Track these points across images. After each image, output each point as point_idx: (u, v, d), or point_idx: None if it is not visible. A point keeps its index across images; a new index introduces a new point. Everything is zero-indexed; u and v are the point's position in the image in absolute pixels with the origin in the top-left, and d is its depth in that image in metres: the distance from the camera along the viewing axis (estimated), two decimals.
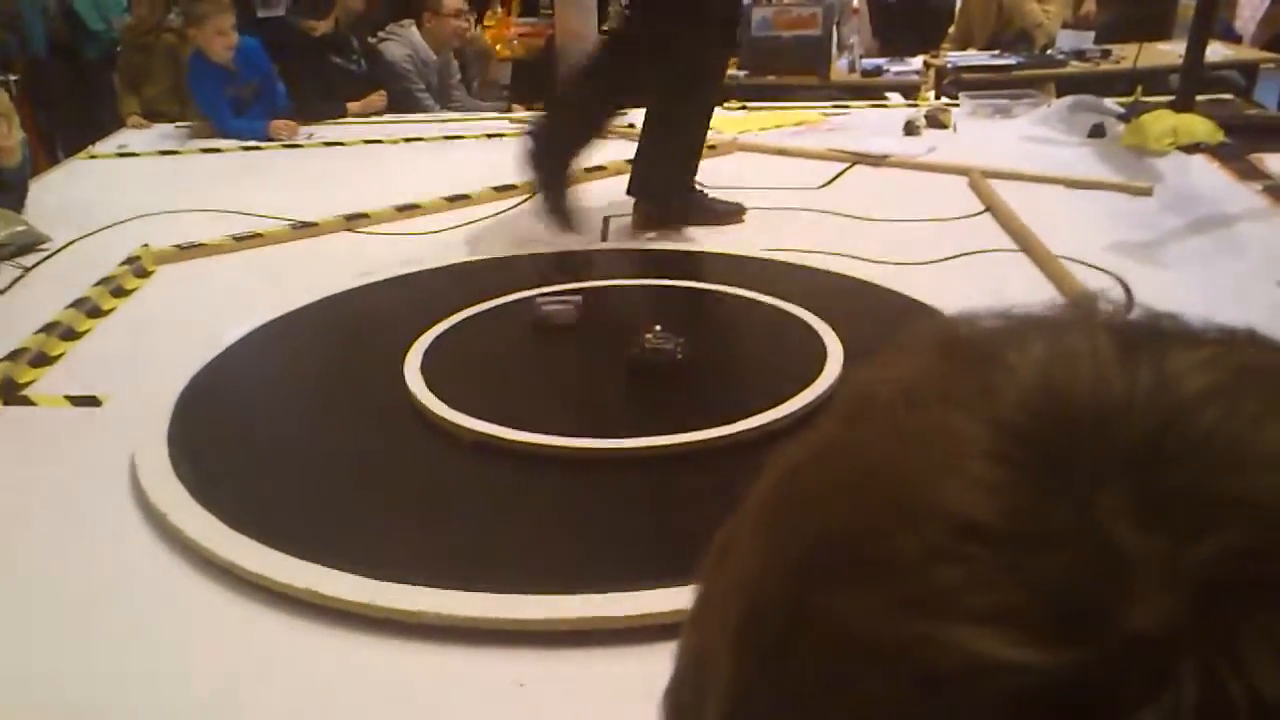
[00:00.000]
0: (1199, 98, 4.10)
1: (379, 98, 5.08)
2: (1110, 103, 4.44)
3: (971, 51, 5.96)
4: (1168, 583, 0.24)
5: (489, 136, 4.70)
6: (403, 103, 5.17)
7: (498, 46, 6.71)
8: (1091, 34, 5.86)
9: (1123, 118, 4.16)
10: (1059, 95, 4.97)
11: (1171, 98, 4.15)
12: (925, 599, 0.25)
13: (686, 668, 0.32)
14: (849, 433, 0.30)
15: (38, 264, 3.23)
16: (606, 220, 3.47)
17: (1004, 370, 0.28)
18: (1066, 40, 5.85)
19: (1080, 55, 5.64)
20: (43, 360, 2.56)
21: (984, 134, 4.42)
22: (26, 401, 2.37)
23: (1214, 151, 3.76)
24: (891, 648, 0.25)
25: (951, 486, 0.26)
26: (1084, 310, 0.30)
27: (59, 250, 3.33)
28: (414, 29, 5.33)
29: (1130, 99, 4.42)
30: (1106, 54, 5.57)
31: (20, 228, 3.32)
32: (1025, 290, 2.69)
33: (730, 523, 0.32)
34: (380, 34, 5.39)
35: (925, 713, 0.24)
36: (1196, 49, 3.99)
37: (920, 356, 0.31)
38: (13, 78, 5.07)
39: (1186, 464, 0.25)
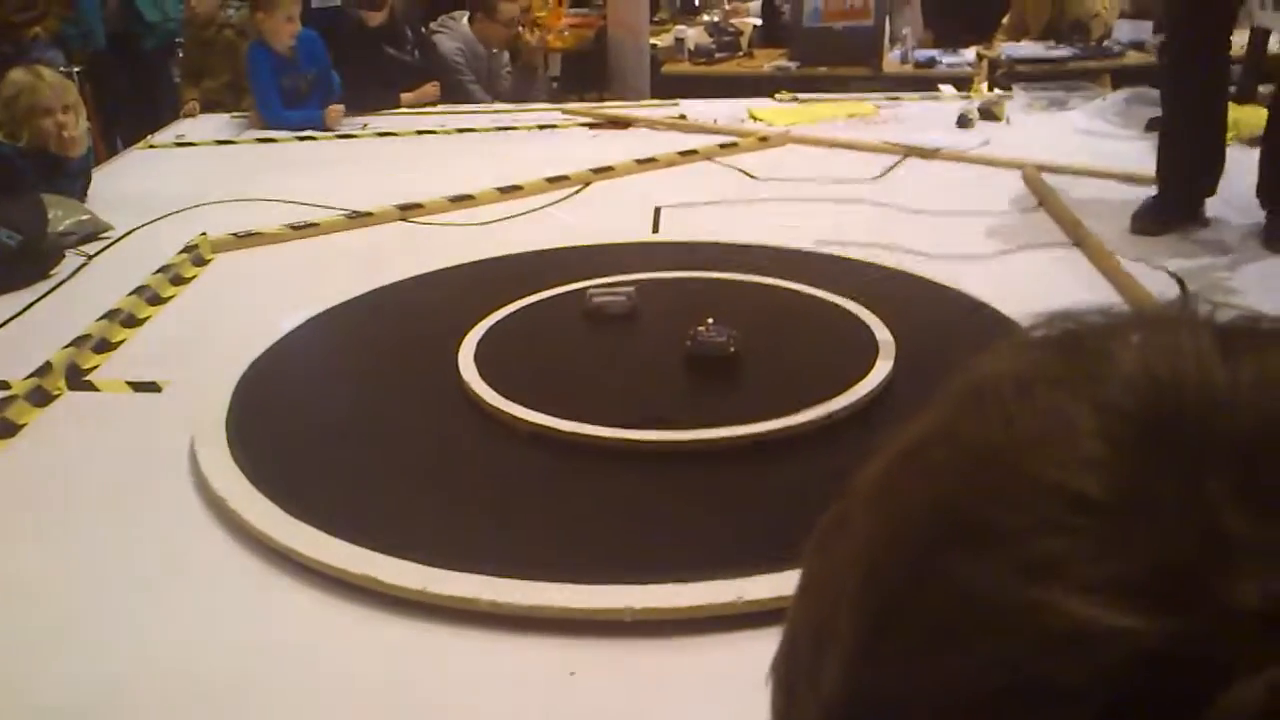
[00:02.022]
0: (1261, 89, 4.03)
1: (433, 88, 5.11)
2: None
3: (1026, 43, 5.89)
4: (1271, 561, 0.25)
5: (540, 128, 4.72)
6: (454, 94, 5.20)
7: (549, 37, 6.73)
8: (1150, 24, 5.77)
9: None
10: (1115, 87, 4.91)
11: (1233, 89, 4.08)
12: (1037, 566, 0.27)
13: (800, 637, 0.34)
14: (960, 418, 0.32)
15: (100, 252, 3.29)
16: (658, 211, 3.47)
17: (1109, 359, 0.30)
18: (1124, 31, 5.76)
19: (1138, 46, 5.56)
20: (105, 346, 2.61)
21: (1038, 127, 4.38)
22: (90, 387, 2.42)
23: (1264, 151, 3.69)
24: (1005, 611, 0.27)
25: (1061, 462, 0.28)
26: (1184, 308, 0.32)
27: (120, 238, 3.39)
28: (465, 21, 5.36)
29: None
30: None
31: (84, 216, 3.39)
32: (1080, 287, 2.67)
33: (836, 505, 0.34)
34: (432, 25, 5.42)
35: (1035, 671, 0.26)
36: (1259, 39, 3.93)
37: (1026, 349, 0.33)
38: (76, 69, 5.15)
39: None
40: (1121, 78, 5.16)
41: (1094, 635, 0.25)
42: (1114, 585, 0.26)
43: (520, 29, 5.63)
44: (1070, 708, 0.25)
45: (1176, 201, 3.15)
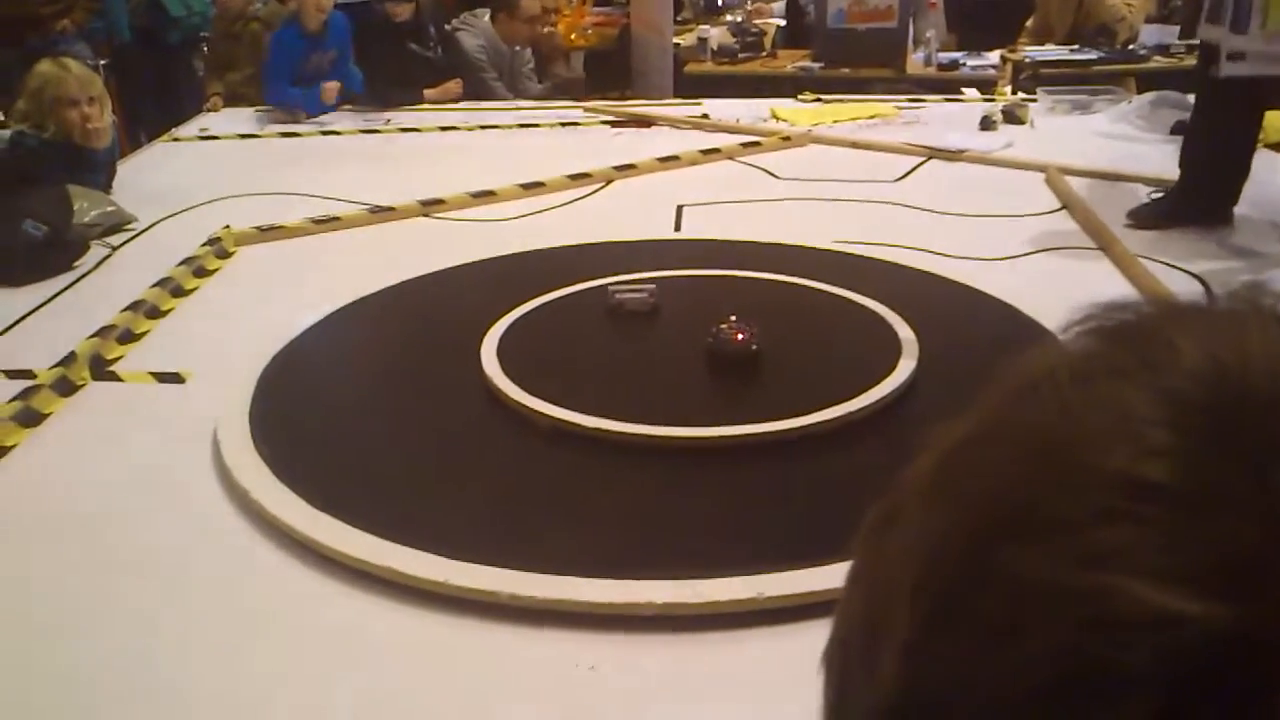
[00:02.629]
0: None
1: (455, 85, 5.12)
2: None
3: (1050, 46, 5.86)
4: None
5: (563, 125, 4.73)
6: (477, 91, 5.21)
7: (572, 35, 6.73)
8: (1176, 29, 5.74)
9: None
10: (1140, 91, 4.88)
11: None
12: (1103, 554, 0.26)
13: (853, 629, 0.33)
14: (1016, 408, 0.32)
15: (124, 243, 3.31)
16: (680, 209, 3.47)
17: (1169, 348, 0.30)
18: (1150, 35, 5.73)
19: (1164, 50, 5.53)
20: (129, 337, 2.62)
21: (1062, 130, 4.36)
22: (114, 377, 2.43)
23: None
24: (1070, 598, 0.26)
25: (1125, 450, 0.28)
26: (1247, 297, 0.32)
27: (144, 230, 3.41)
28: (486, 19, 5.37)
29: None
30: (1191, 49, 5.44)
31: (109, 208, 3.41)
32: (1103, 289, 2.66)
33: (888, 497, 0.34)
34: (455, 22, 5.43)
35: (1099, 659, 0.26)
36: None
37: (1082, 340, 0.32)
38: (102, 62, 5.18)
39: None
40: (1147, 82, 5.13)
41: (1162, 620, 0.25)
42: (1182, 572, 0.25)
43: (543, 27, 5.64)
44: (1137, 693, 0.25)
45: (1193, 201, 3.14)
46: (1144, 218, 3.18)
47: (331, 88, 4.76)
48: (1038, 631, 0.27)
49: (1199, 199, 3.15)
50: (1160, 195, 3.27)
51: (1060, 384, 0.31)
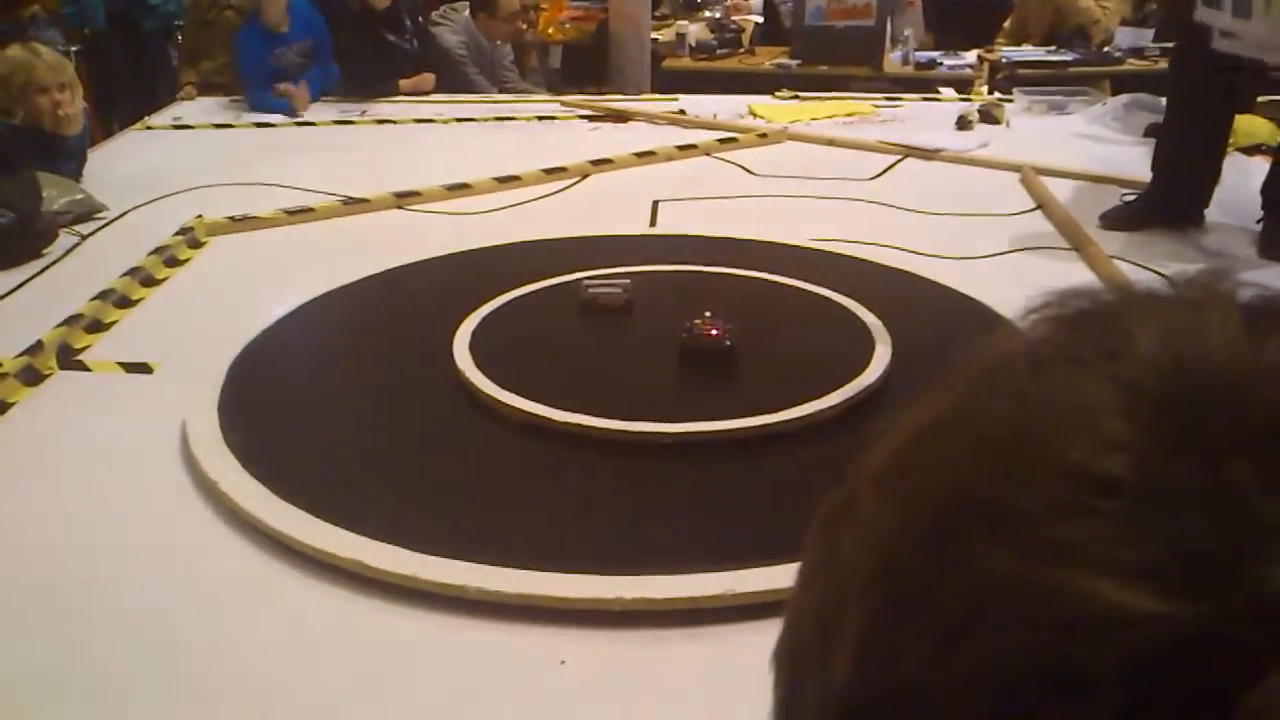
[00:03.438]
0: (1260, 99, 4.03)
1: (429, 79, 5.10)
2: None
3: (1027, 47, 5.89)
4: None
5: (540, 119, 4.71)
6: (458, 86, 5.19)
7: (550, 30, 6.71)
8: (1151, 32, 5.77)
9: None
10: (1115, 93, 4.91)
11: None
12: (1060, 550, 0.26)
13: (805, 625, 0.33)
14: (973, 397, 0.31)
15: (94, 232, 3.27)
16: (656, 205, 3.47)
17: (1128, 336, 0.29)
18: (1125, 37, 5.76)
19: (1138, 53, 5.56)
20: (97, 327, 2.59)
21: (1037, 131, 4.37)
22: (81, 367, 2.41)
23: (1274, 153, 3.69)
24: (1027, 595, 0.26)
25: (1082, 443, 0.27)
26: (1207, 285, 0.31)
27: (115, 219, 3.38)
28: (467, 13, 5.34)
29: None
30: (1165, 52, 5.48)
31: (79, 196, 3.37)
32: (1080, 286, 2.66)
33: (841, 490, 0.33)
34: (434, 16, 5.40)
35: (1058, 657, 0.25)
36: None
37: (1040, 327, 0.31)
38: (73, 49, 5.13)
39: None
40: (1121, 84, 5.16)
41: (1122, 620, 0.24)
42: (1142, 569, 0.25)
43: (523, 25, 5.63)
44: (1097, 694, 0.24)
45: (1165, 203, 3.16)
46: (1116, 219, 3.19)
47: (301, 98, 4.73)
48: (994, 628, 0.26)
49: (1170, 201, 3.17)
50: (1133, 197, 3.29)
51: (1017, 373, 0.30)
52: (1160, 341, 0.28)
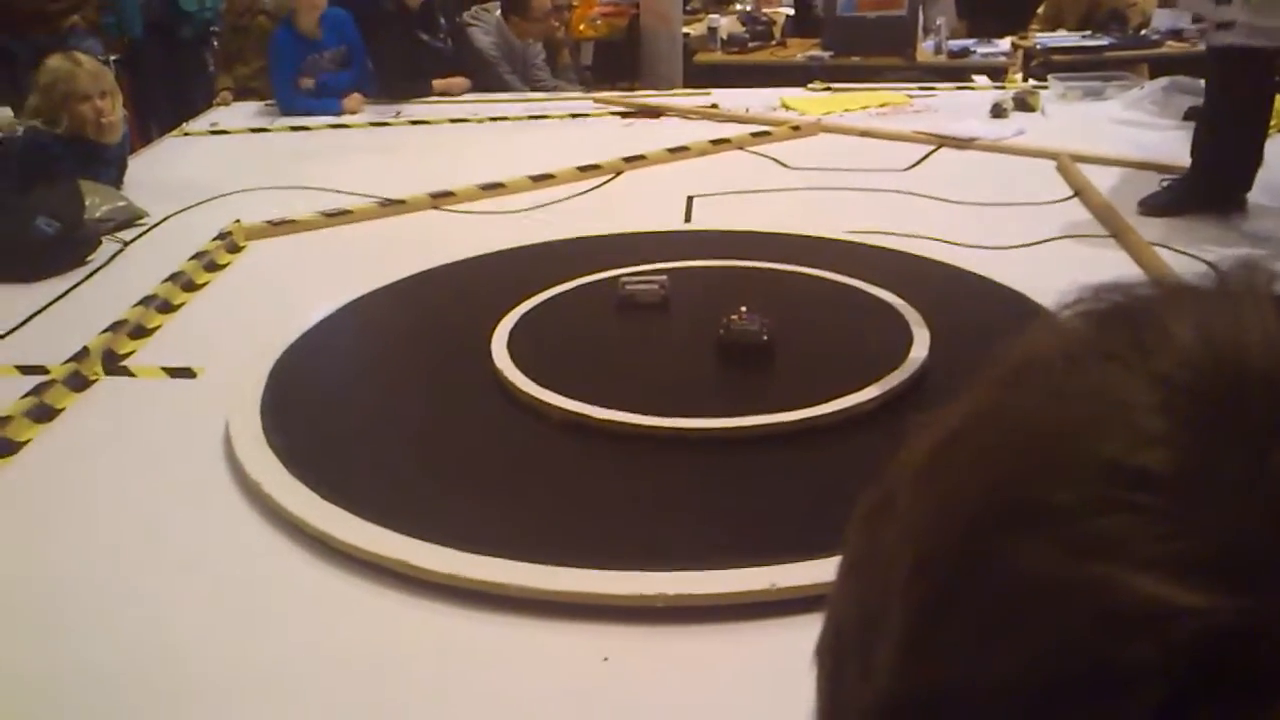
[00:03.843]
0: None
1: (462, 82, 5.12)
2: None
3: (1062, 33, 5.83)
4: None
5: (573, 116, 4.72)
6: (491, 85, 5.21)
7: (581, 26, 6.72)
8: (1189, 13, 5.70)
9: None
10: (1153, 77, 4.85)
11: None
12: (1099, 545, 0.26)
13: (846, 622, 0.33)
14: (1008, 394, 0.31)
15: (136, 238, 3.32)
16: (690, 200, 3.46)
17: (1162, 330, 0.29)
18: (1162, 19, 5.69)
19: (1177, 35, 5.49)
20: (141, 332, 2.63)
21: (1074, 117, 4.34)
22: (126, 372, 2.44)
23: None
24: (1067, 590, 0.26)
25: (1119, 438, 0.27)
26: (1243, 277, 0.31)
27: (155, 225, 3.42)
28: (498, 13, 5.36)
29: None
30: (1204, 34, 5.40)
31: (120, 203, 3.41)
32: (1116, 278, 2.64)
33: (877, 487, 0.33)
34: (466, 16, 5.42)
35: (1099, 651, 0.25)
36: None
37: (1073, 322, 0.32)
38: (113, 58, 5.19)
39: None
40: (1159, 67, 5.10)
41: (1162, 613, 0.24)
42: (1182, 562, 0.25)
43: (557, 24, 5.64)
44: (1137, 688, 0.24)
45: (1205, 188, 3.12)
46: (1156, 205, 3.16)
47: (356, 101, 4.77)
48: (1035, 625, 0.26)
49: (1211, 185, 3.14)
50: (1172, 182, 3.26)
51: (1052, 369, 0.30)
52: (1195, 335, 0.28)
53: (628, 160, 3.87)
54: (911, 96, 4.76)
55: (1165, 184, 3.27)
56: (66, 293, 2.91)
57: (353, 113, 4.75)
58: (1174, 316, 0.29)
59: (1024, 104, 4.39)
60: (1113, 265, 2.76)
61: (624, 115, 4.72)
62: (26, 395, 2.24)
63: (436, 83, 5.06)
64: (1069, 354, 0.30)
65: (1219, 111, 3.16)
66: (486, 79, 5.21)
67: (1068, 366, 0.30)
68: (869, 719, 0.30)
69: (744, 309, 2.27)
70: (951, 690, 0.28)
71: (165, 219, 3.46)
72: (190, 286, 2.92)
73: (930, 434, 0.32)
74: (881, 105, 4.62)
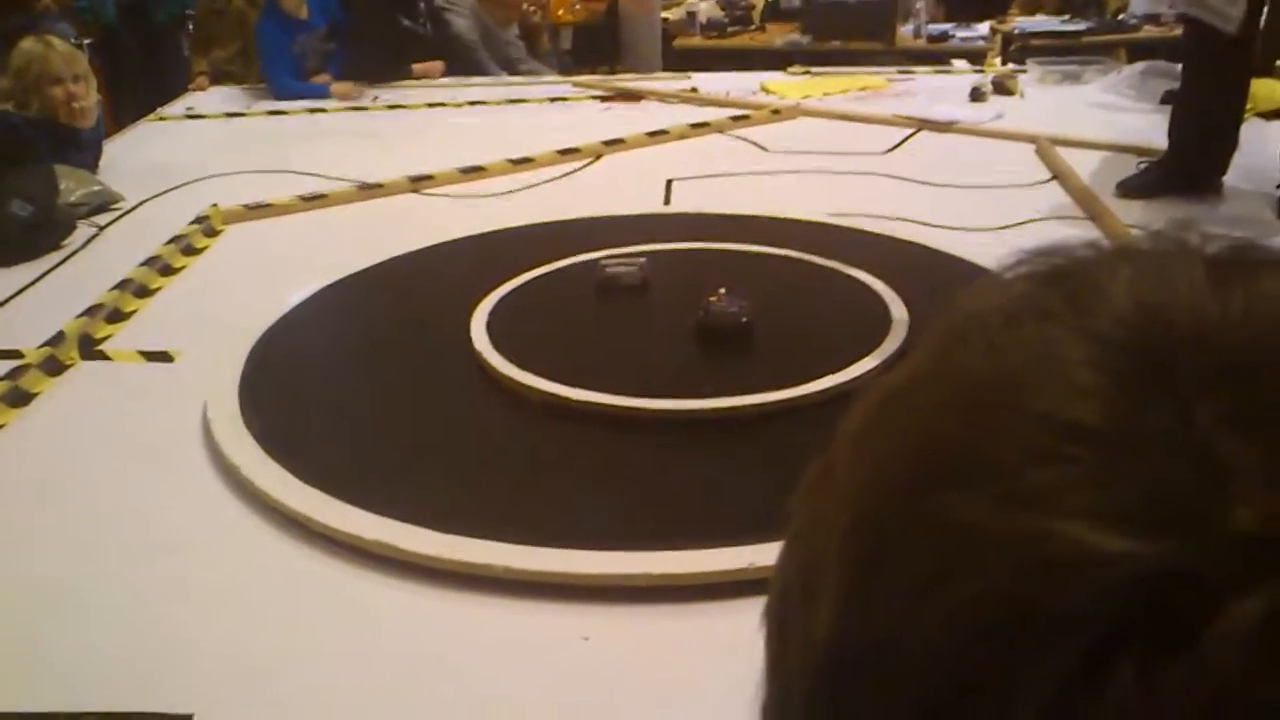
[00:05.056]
0: (1279, 62, 4.00)
1: (438, 67, 5.10)
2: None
3: (1040, 17, 5.85)
4: (1267, 485, 0.25)
5: (551, 100, 4.71)
6: (470, 70, 5.19)
7: (560, 11, 6.69)
8: None
9: None
10: (1130, 61, 4.87)
11: None
12: (1034, 496, 0.26)
13: (790, 584, 0.33)
14: (946, 354, 0.32)
15: (111, 223, 3.29)
16: (669, 183, 3.46)
17: (1097, 289, 0.30)
18: (1140, 4, 5.71)
19: (1154, 19, 5.51)
20: (117, 316, 2.61)
21: (1052, 101, 4.35)
22: (102, 356, 2.43)
23: None
24: (1002, 540, 0.26)
25: (1052, 392, 0.28)
26: (1174, 237, 0.32)
27: (131, 209, 3.39)
28: None
29: None
30: (1181, 18, 5.42)
31: (95, 188, 3.39)
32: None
33: (824, 453, 0.34)
34: (441, 2, 5.39)
35: (1034, 601, 0.26)
36: (1278, 11, 3.88)
37: (1014, 283, 0.32)
38: (86, 41, 5.14)
39: None
40: (1137, 52, 5.12)
41: (1094, 559, 0.25)
42: (1112, 511, 0.25)
43: (533, 9, 5.62)
44: (1068, 633, 0.25)
45: (1182, 171, 3.15)
46: (1133, 188, 3.18)
47: (345, 88, 4.74)
48: (970, 576, 0.27)
49: (1188, 168, 3.16)
50: (1149, 165, 3.27)
51: (989, 327, 0.30)
52: (1127, 293, 0.29)
53: (607, 144, 3.87)
54: (890, 80, 4.77)
55: (1143, 167, 3.29)
56: (42, 276, 2.89)
57: (343, 98, 4.72)
58: (1109, 276, 0.30)
59: (1003, 88, 4.40)
60: None
61: (603, 99, 4.71)
62: (1, 379, 2.22)
63: (416, 67, 5.04)
64: (1007, 313, 0.31)
65: (1195, 95, 3.17)
66: (465, 64, 5.19)
67: (1004, 325, 0.30)
68: (811, 676, 0.31)
69: (723, 291, 2.28)
70: (888, 641, 0.28)
71: (141, 203, 3.43)
72: (167, 271, 2.90)
73: (871, 396, 0.33)
74: (861, 89, 4.63)
